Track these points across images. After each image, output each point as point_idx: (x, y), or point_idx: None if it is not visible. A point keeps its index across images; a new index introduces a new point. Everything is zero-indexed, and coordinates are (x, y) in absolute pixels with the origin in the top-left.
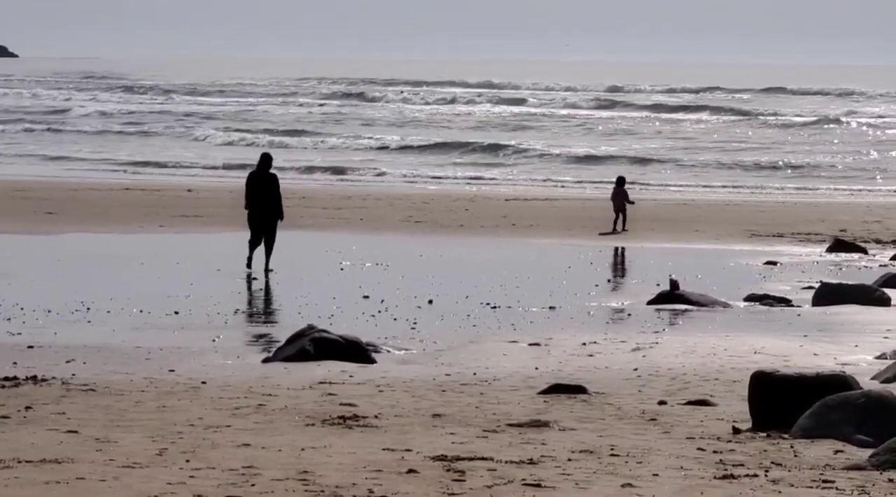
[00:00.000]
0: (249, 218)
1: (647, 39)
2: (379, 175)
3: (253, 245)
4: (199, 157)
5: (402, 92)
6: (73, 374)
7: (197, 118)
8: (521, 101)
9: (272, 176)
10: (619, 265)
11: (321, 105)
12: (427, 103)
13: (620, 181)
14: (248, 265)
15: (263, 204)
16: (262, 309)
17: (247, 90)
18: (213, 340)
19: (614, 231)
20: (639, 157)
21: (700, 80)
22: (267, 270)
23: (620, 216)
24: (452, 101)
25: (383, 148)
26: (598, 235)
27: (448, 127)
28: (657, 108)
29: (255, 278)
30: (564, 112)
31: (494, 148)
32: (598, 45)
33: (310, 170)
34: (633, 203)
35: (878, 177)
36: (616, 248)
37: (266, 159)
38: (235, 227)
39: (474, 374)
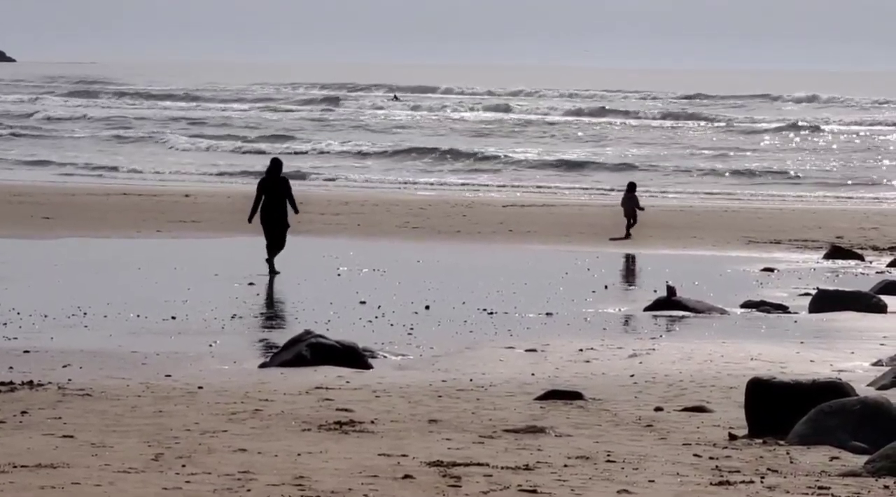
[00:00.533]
0: (262, 222)
1: (652, 43)
2: (331, 179)
3: (270, 247)
4: (164, 162)
5: (394, 96)
6: (70, 379)
7: (179, 124)
8: (506, 108)
9: (283, 180)
10: (615, 271)
11: (304, 110)
12: (413, 109)
13: (631, 187)
14: (273, 270)
15: (274, 208)
16: (259, 314)
17: (229, 96)
18: (210, 345)
19: (627, 236)
20: (627, 164)
21: (691, 85)
22: (273, 271)
23: (630, 221)
24: (441, 107)
25: (349, 152)
26: (609, 241)
27: (430, 133)
28: (648, 114)
29: (251, 283)
30: (552, 118)
31: (460, 154)
32: (615, 50)
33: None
34: (643, 209)
35: (874, 184)
36: (612, 255)
37: (276, 164)
38: (233, 232)
39: (471, 379)
